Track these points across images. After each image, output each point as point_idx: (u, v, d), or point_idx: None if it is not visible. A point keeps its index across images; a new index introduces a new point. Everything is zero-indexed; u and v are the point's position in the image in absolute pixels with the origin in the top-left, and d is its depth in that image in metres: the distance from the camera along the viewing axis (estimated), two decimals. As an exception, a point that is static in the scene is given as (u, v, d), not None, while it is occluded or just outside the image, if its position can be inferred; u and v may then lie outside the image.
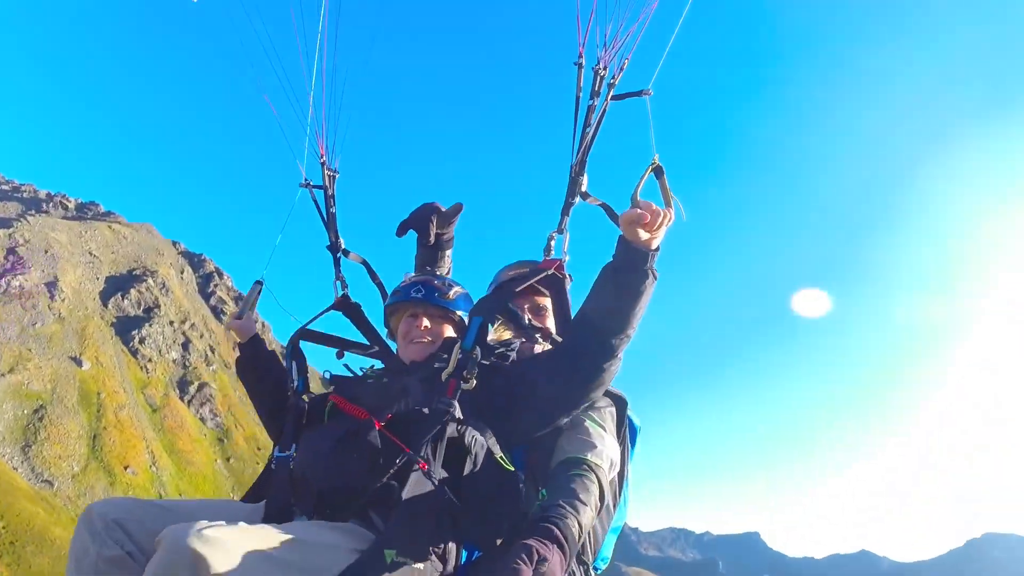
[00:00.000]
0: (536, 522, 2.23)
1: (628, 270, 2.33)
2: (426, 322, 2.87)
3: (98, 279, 57.36)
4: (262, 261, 3.41)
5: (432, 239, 3.26)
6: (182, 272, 69.59)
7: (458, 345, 2.65)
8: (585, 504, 2.37)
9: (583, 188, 2.72)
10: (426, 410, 2.40)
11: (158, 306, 60.19)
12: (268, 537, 1.88)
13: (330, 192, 3.48)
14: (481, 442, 2.40)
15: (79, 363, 47.23)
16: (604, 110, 2.78)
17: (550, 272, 2.76)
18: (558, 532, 2.18)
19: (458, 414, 2.39)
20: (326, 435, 2.51)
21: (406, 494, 2.15)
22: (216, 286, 73.33)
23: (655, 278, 2.34)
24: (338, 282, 3.35)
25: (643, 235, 2.26)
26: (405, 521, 2.14)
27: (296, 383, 2.92)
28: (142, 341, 55.96)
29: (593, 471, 2.48)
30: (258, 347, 3.30)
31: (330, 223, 3.45)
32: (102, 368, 49.03)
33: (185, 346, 59.79)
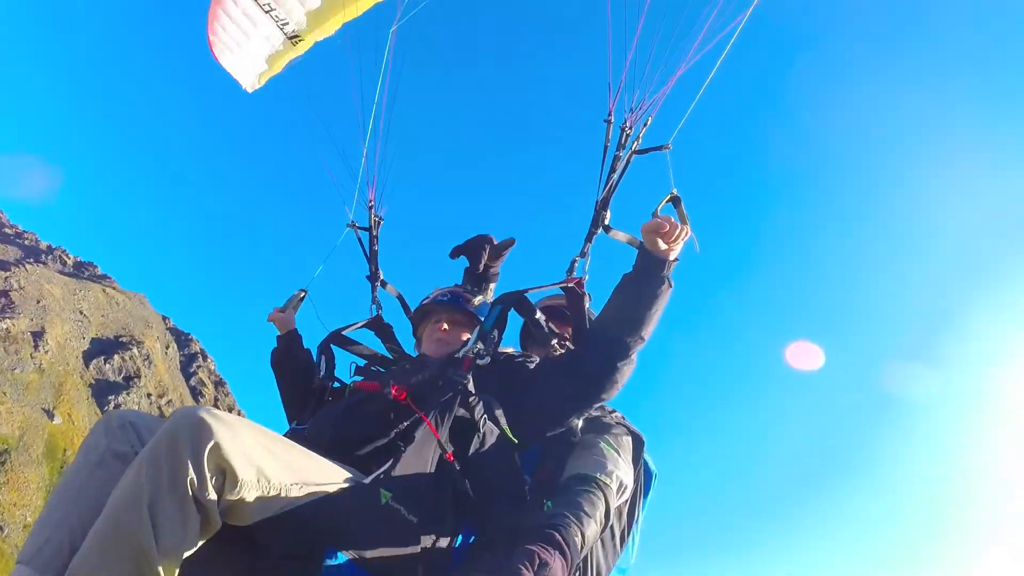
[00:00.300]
0: (539, 529, 2.26)
1: (646, 275, 2.51)
2: (449, 326, 3.10)
3: (84, 338, 55.07)
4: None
5: (481, 268, 3.48)
6: (167, 347, 67.22)
7: (478, 327, 2.89)
8: (590, 517, 2.38)
9: (606, 222, 3.00)
10: (440, 382, 2.52)
11: (139, 376, 57.43)
12: (275, 438, 1.94)
13: (374, 233, 4.02)
14: (491, 427, 2.48)
15: (51, 416, 44.16)
16: (628, 162, 3.13)
17: (571, 285, 2.95)
18: (560, 539, 2.20)
19: (471, 387, 2.49)
20: (341, 403, 2.64)
21: (410, 449, 2.23)
22: (199, 367, 70.54)
23: (671, 286, 2.51)
24: (374, 305, 3.70)
25: (661, 245, 2.47)
26: (405, 473, 2.18)
27: (323, 373, 3.14)
28: (117, 407, 52.57)
29: (601, 489, 2.52)
30: (294, 340, 3.53)
31: (372, 258, 3.92)
32: (73, 426, 45.76)
33: (159, 421, 56.33)
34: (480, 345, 2.80)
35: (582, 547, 2.30)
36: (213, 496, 1.69)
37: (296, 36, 5.05)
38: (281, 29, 4.99)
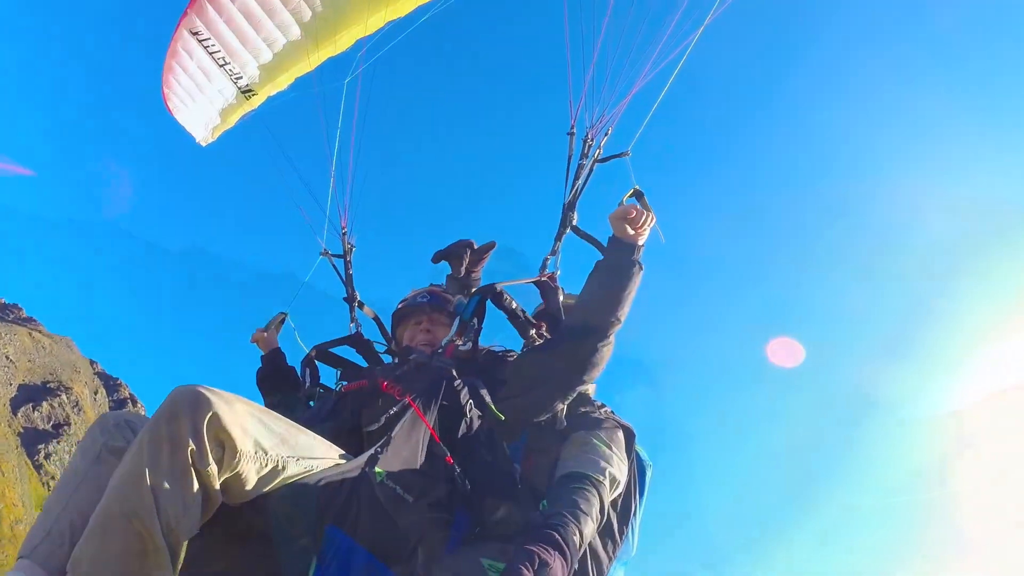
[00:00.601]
0: (538, 528, 2.29)
1: (617, 260, 2.67)
2: (430, 326, 3.18)
3: (11, 385, 51.91)
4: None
5: (462, 272, 3.58)
6: (96, 393, 63.94)
7: (459, 316, 3.03)
8: (587, 515, 2.45)
9: (574, 223, 3.25)
10: (424, 369, 2.65)
11: (68, 424, 54.37)
12: (270, 413, 1.97)
13: (348, 259, 4.26)
14: (477, 413, 2.55)
15: (-21, 467, 41.37)
16: (591, 169, 3.41)
17: (543, 279, 3.17)
18: (560, 539, 2.23)
19: (455, 372, 2.59)
20: (329, 400, 2.77)
21: (400, 433, 2.28)
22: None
23: (641, 268, 2.66)
24: (353, 324, 3.85)
25: (629, 230, 2.63)
26: (397, 453, 2.23)
27: (308, 384, 3.29)
28: (47, 457, 49.70)
29: (595, 486, 2.59)
30: (278, 358, 3.74)
31: (348, 281, 4.12)
32: (2, 478, 42.90)
33: (91, 470, 53.35)
34: (460, 338, 2.92)
35: (580, 545, 2.34)
36: (214, 468, 1.71)
37: (250, 90, 5.12)
38: (235, 83, 5.04)
